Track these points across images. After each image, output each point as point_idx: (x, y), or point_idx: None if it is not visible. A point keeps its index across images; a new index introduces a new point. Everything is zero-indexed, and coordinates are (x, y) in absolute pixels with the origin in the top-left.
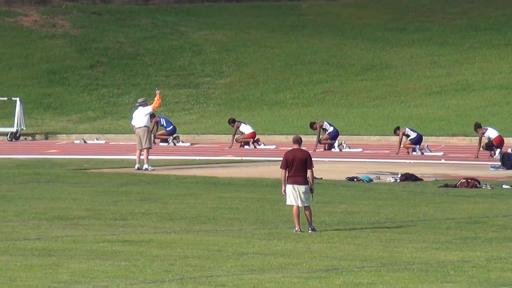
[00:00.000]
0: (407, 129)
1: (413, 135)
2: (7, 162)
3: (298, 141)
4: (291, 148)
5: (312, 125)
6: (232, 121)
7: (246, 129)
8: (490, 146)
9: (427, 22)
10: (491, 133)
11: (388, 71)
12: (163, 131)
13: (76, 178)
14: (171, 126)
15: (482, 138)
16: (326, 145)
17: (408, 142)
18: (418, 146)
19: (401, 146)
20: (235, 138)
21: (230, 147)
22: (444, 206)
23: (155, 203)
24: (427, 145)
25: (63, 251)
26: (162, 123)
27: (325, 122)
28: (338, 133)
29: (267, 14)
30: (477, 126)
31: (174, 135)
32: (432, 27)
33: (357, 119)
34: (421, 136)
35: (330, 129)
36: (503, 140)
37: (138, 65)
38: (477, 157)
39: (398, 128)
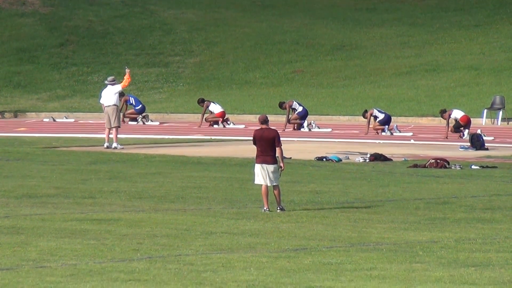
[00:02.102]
0: (375, 110)
1: (381, 116)
2: None
3: (265, 120)
4: (259, 127)
5: (281, 105)
6: (201, 101)
7: (215, 108)
8: (458, 127)
9: (397, 2)
10: (457, 113)
11: (358, 51)
12: (132, 110)
13: (45, 156)
14: (140, 105)
15: (450, 119)
16: (295, 125)
17: (377, 123)
18: (387, 126)
19: (370, 127)
20: (204, 117)
21: (199, 127)
22: (413, 187)
23: (124, 181)
24: (397, 126)
25: (32, 229)
26: (131, 102)
27: (294, 102)
28: (308, 113)
29: None
30: (443, 112)
31: (143, 114)
32: (402, 7)
33: (327, 99)
34: (390, 117)
35: (300, 109)
36: (469, 119)
37: (108, 43)
38: (446, 137)
39: (366, 111)
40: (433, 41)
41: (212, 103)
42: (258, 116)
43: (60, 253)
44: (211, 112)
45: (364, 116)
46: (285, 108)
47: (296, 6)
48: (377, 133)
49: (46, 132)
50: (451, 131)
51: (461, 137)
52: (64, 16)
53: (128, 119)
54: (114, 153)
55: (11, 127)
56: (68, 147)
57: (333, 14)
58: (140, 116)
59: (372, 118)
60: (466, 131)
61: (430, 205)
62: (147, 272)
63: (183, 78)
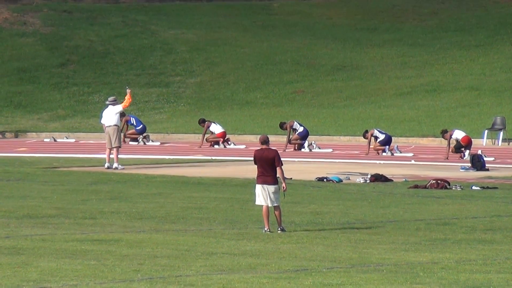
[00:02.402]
0: (375, 130)
1: (381, 137)
2: None
3: (265, 141)
4: (259, 148)
5: (282, 125)
6: (202, 121)
7: (216, 128)
8: (459, 148)
9: (398, 22)
10: (458, 134)
11: (359, 72)
12: (133, 130)
13: (45, 177)
14: (141, 125)
15: (451, 140)
16: (296, 145)
17: (378, 144)
18: (387, 146)
19: (371, 148)
20: (205, 137)
21: (200, 147)
22: (413, 207)
23: (125, 202)
24: (397, 146)
25: (32, 249)
26: (132, 122)
27: (295, 122)
28: (308, 133)
29: (238, 14)
30: (444, 132)
31: (144, 134)
32: (403, 28)
33: (327, 119)
34: (390, 137)
35: (300, 129)
36: (470, 140)
37: (109, 63)
38: (447, 158)
39: (366, 131)
40: (434, 62)
41: (213, 123)
42: (258, 136)
43: (60, 273)
44: (212, 133)
45: (364, 137)
46: (286, 129)
47: (296, 26)
48: (378, 153)
49: (47, 152)
50: (452, 151)
51: (461, 157)
52: (65, 36)
53: (129, 139)
54: (114, 174)
55: (12, 147)
56: (69, 167)
57: (333, 34)
58: (141, 136)
59: (372, 138)
60: (467, 151)
61: (430, 226)
62: None
63: (183, 98)
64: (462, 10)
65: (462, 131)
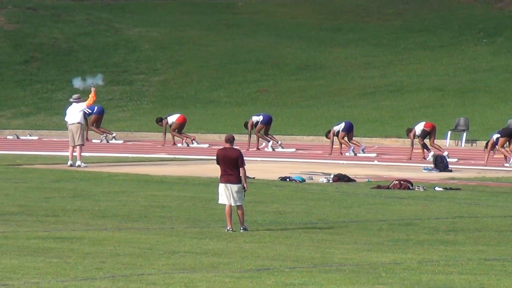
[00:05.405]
0: (334, 128)
1: (342, 126)
2: None
3: (230, 140)
4: (222, 147)
5: (246, 125)
6: (159, 120)
7: (173, 117)
8: (424, 135)
9: (362, 22)
10: (419, 126)
11: (323, 71)
12: (93, 117)
13: (8, 174)
14: (96, 107)
15: (414, 138)
16: (264, 133)
17: (343, 133)
18: (352, 147)
19: (336, 145)
20: (171, 129)
21: (163, 145)
22: (376, 208)
23: (87, 200)
24: (364, 147)
25: None
26: (87, 112)
27: (253, 117)
28: (271, 118)
29: (203, 12)
30: (409, 131)
31: (109, 132)
32: (367, 28)
33: (291, 119)
34: (351, 123)
35: (260, 117)
36: (434, 125)
37: (73, 61)
38: (410, 158)
39: (329, 131)
40: (398, 62)
41: (168, 117)
42: (222, 135)
43: (22, 271)
44: (173, 123)
45: (327, 137)
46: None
47: (261, 25)
48: (341, 153)
49: (10, 149)
50: (419, 142)
51: (425, 158)
52: (29, 33)
53: (92, 131)
54: (77, 171)
55: None
56: (32, 164)
57: (298, 34)
58: (104, 134)
59: (334, 136)
60: (431, 153)
61: (393, 227)
62: None
63: (147, 97)
64: (427, 10)
65: (422, 122)
